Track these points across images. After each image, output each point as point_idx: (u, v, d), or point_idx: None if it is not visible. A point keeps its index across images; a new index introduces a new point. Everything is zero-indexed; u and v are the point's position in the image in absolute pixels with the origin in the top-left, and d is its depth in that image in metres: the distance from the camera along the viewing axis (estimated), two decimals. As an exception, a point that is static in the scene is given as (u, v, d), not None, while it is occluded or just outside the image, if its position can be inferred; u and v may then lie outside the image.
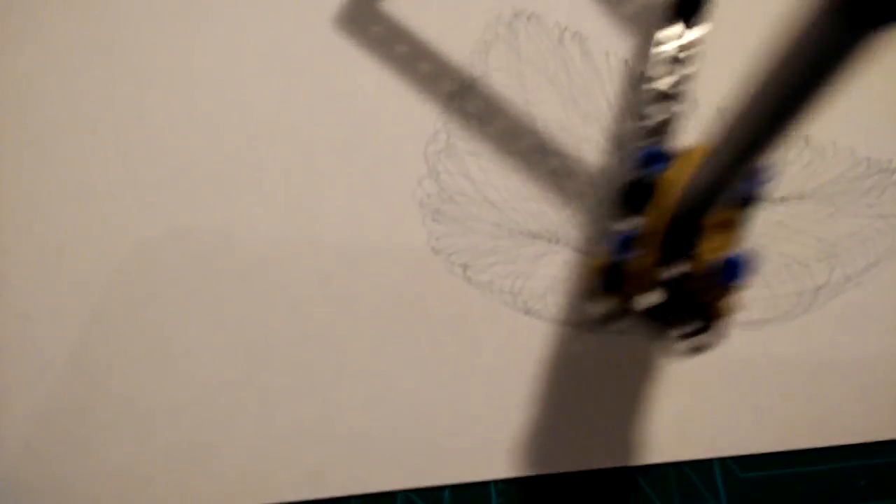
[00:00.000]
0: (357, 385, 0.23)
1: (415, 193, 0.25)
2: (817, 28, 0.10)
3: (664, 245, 0.17)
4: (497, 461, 0.23)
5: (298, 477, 0.23)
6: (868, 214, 0.24)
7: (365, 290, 0.24)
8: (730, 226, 0.17)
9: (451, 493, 0.23)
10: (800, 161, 0.24)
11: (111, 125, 0.26)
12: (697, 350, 0.18)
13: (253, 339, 0.24)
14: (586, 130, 0.25)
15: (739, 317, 0.23)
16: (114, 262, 0.25)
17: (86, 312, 0.24)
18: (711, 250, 0.16)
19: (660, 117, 0.17)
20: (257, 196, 0.25)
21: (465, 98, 0.26)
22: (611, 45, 0.26)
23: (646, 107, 0.17)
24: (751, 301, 0.23)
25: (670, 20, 0.18)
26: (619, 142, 0.25)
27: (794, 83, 0.12)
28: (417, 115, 0.26)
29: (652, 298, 0.18)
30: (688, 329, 0.18)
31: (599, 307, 0.18)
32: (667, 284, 0.17)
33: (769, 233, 0.24)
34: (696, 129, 0.25)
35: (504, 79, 0.26)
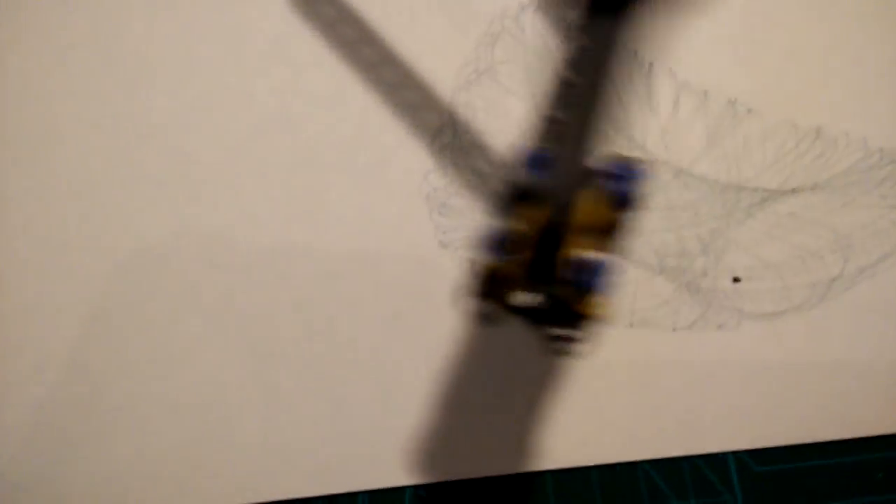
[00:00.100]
0: (362, 382, 0.23)
1: (421, 188, 0.25)
2: (576, 21, 0.10)
3: (536, 250, 0.17)
4: (509, 456, 0.22)
5: (304, 474, 0.22)
6: (881, 205, 0.24)
7: (372, 285, 0.24)
8: (602, 228, 0.17)
9: (460, 487, 0.22)
10: (812, 152, 0.24)
11: (113, 121, 0.26)
12: (565, 353, 0.18)
13: (257, 336, 0.24)
14: (595, 123, 0.25)
15: (753, 309, 0.23)
16: (115, 258, 0.25)
17: (86, 309, 0.24)
18: (576, 250, 0.16)
19: (556, 118, 0.16)
20: (262, 191, 0.25)
21: (470, 93, 0.26)
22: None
23: (548, 105, 0.17)
24: (764, 292, 0.23)
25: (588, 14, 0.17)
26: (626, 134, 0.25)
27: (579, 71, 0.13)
28: (424, 110, 0.26)
29: (526, 299, 0.18)
30: (559, 332, 0.17)
31: (479, 307, 0.18)
32: (535, 287, 0.17)
33: (782, 224, 0.24)
34: (704, 121, 0.25)
35: (510, 72, 0.26)
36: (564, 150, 0.14)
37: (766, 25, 0.26)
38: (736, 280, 0.23)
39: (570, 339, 0.17)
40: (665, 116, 0.25)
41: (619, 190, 0.17)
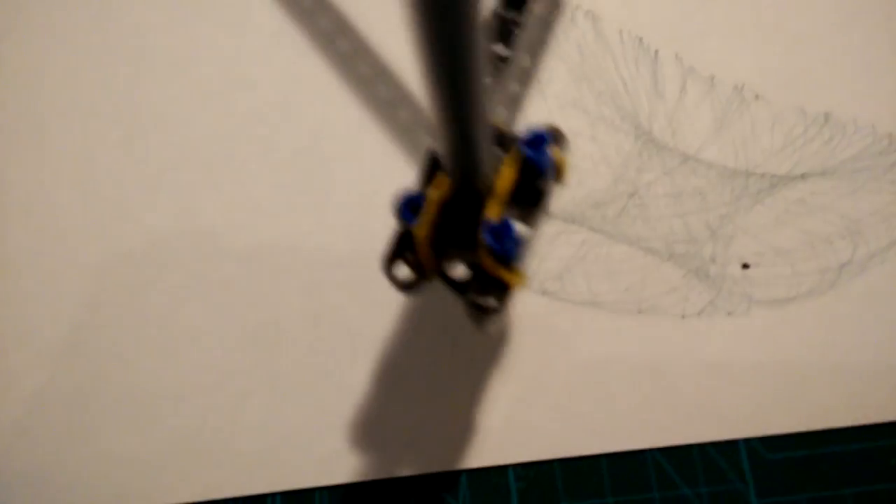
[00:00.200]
0: (368, 371, 0.23)
1: (427, 175, 0.25)
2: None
3: (447, 209, 0.17)
4: (516, 445, 0.22)
5: (310, 464, 0.22)
6: (891, 191, 0.23)
7: (376, 273, 0.24)
8: (521, 195, 0.17)
9: (468, 476, 0.22)
10: (820, 137, 0.24)
11: (113, 109, 0.26)
12: (483, 322, 0.18)
13: (261, 324, 0.24)
14: (600, 109, 0.25)
15: (763, 295, 0.23)
16: (114, 247, 0.24)
17: (87, 296, 0.24)
18: (493, 216, 0.16)
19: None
20: (264, 179, 0.25)
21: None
22: (624, 24, 0.26)
23: None
24: (774, 278, 0.23)
25: None
26: (634, 120, 0.25)
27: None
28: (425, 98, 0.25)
29: (450, 267, 0.18)
30: (478, 300, 0.17)
31: (399, 273, 0.18)
32: (454, 253, 0.18)
33: (791, 209, 0.23)
34: (711, 106, 0.25)
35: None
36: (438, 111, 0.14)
37: (773, 9, 0.25)
38: (745, 266, 0.23)
39: (487, 308, 0.17)
40: (672, 102, 0.25)
41: (536, 157, 0.17)
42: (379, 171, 0.25)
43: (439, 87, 0.13)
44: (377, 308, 0.23)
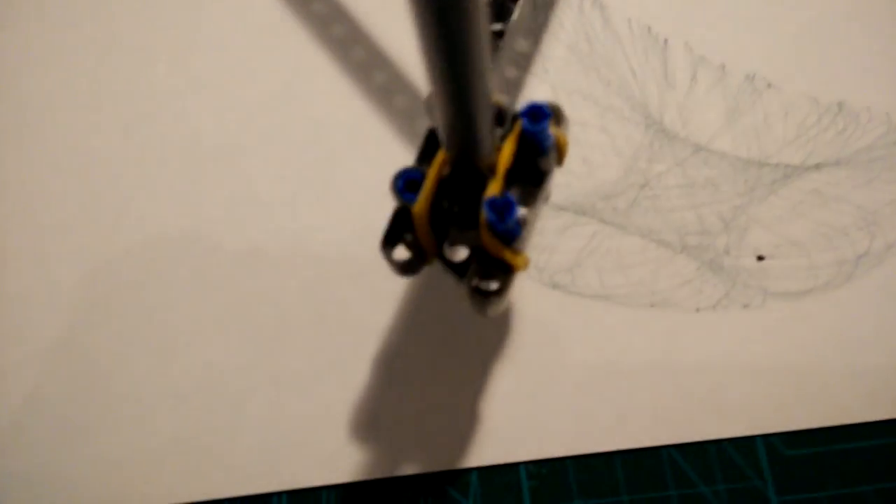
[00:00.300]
0: (373, 367, 0.22)
1: (433, 167, 0.24)
2: None
3: (446, 188, 0.17)
4: (527, 442, 0.21)
5: (316, 462, 0.22)
6: (907, 181, 0.23)
7: (381, 267, 0.23)
8: (521, 172, 0.17)
9: (479, 475, 0.21)
10: (834, 127, 0.24)
11: (115, 101, 0.25)
12: (483, 306, 0.17)
13: (263, 319, 0.23)
14: (610, 99, 0.24)
15: (779, 287, 0.22)
16: (114, 239, 0.24)
17: (85, 292, 0.23)
18: (493, 193, 0.16)
19: None
20: (268, 171, 0.24)
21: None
22: (633, 13, 0.25)
23: None
24: (790, 271, 0.22)
25: None
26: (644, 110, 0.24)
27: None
28: (425, 88, 0.25)
29: (457, 253, 0.18)
30: (478, 283, 0.17)
31: (397, 254, 0.18)
32: (455, 233, 0.17)
33: (806, 200, 0.23)
34: (723, 96, 0.24)
35: (523, 43, 0.25)
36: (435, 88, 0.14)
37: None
38: (760, 258, 0.22)
39: (488, 292, 0.17)
40: (682, 92, 0.24)
41: (536, 131, 0.16)
42: (382, 161, 0.24)
43: (439, 57, 0.12)
44: (382, 302, 0.23)
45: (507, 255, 0.16)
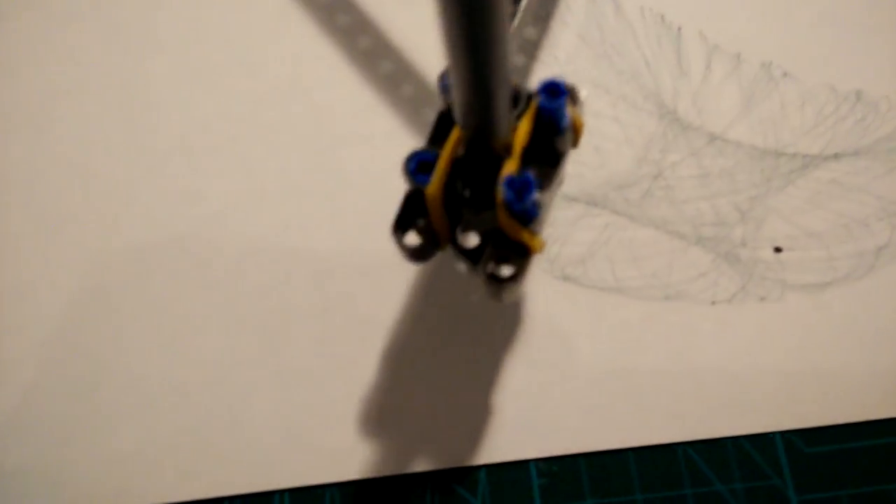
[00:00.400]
0: (380, 361, 0.22)
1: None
2: None
3: (460, 170, 0.16)
4: (538, 439, 0.21)
5: (320, 460, 0.21)
6: (927, 172, 0.22)
7: (387, 259, 0.23)
8: (538, 151, 0.16)
9: (488, 472, 0.21)
10: (852, 116, 0.23)
11: (116, 91, 0.25)
12: (498, 292, 0.17)
13: (268, 313, 0.22)
14: (622, 89, 0.24)
15: (797, 280, 0.22)
16: (117, 231, 0.23)
17: (86, 284, 0.23)
18: (509, 172, 0.16)
19: None
20: (272, 161, 0.24)
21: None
22: (645, 1, 0.25)
23: None
24: (808, 262, 0.22)
25: None
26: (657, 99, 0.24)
27: None
28: (432, 76, 0.24)
29: (469, 239, 0.17)
30: (494, 268, 0.16)
31: (409, 239, 0.17)
32: (469, 215, 0.17)
33: (824, 191, 0.22)
34: (738, 84, 0.24)
35: (535, 31, 0.25)
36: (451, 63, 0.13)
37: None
38: (777, 250, 0.22)
39: (504, 277, 0.16)
40: (697, 81, 0.24)
41: (553, 108, 0.16)
42: (387, 152, 0.24)
43: (461, 30, 0.12)
44: (389, 295, 0.22)
45: (525, 237, 0.16)
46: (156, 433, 0.21)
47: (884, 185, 0.22)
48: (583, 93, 0.17)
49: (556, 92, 0.16)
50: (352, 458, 0.21)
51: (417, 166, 0.16)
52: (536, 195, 0.15)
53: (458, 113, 0.15)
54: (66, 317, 0.23)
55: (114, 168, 0.24)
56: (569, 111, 0.16)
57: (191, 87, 0.25)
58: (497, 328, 0.22)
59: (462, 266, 0.17)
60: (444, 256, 0.18)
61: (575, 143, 0.17)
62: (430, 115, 0.24)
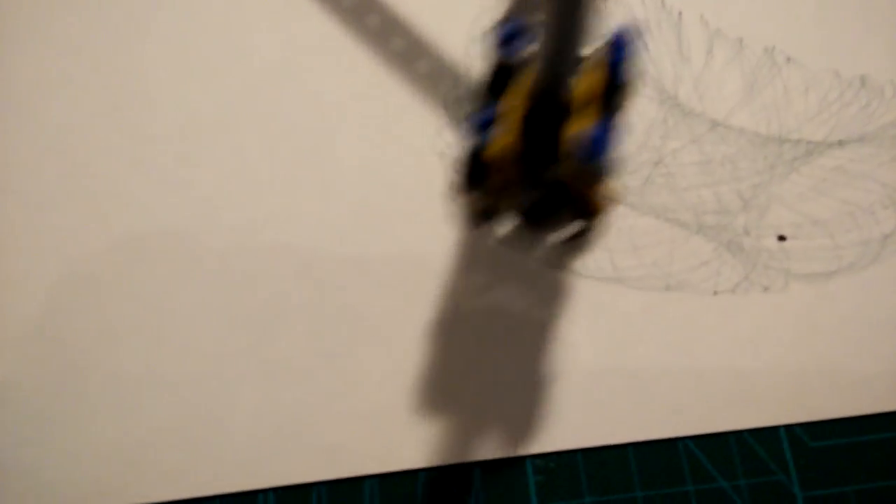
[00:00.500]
0: (374, 354, 0.21)
1: (434, 144, 0.23)
2: None
3: (527, 125, 0.16)
4: (533, 434, 0.20)
5: (310, 457, 0.20)
6: (933, 159, 0.22)
7: (381, 247, 0.22)
8: (601, 103, 0.16)
9: (482, 469, 0.20)
10: (857, 102, 0.22)
11: (106, 80, 0.24)
12: (572, 251, 0.17)
13: (258, 304, 0.21)
14: (621, 73, 0.23)
15: (801, 269, 0.21)
16: (101, 221, 0.22)
17: (67, 276, 0.22)
18: (577, 128, 0.15)
19: None
20: (264, 150, 0.23)
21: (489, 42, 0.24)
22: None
23: None
24: (813, 251, 0.21)
25: None
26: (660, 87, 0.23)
27: None
28: (436, 61, 0.24)
29: (526, 197, 0.17)
30: (563, 229, 0.16)
31: (469, 204, 0.16)
32: (533, 172, 0.16)
33: (829, 178, 0.22)
34: (741, 70, 0.23)
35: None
36: (548, 18, 0.13)
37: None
38: (781, 238, 0.21)
39: (575, 233, 0.16)
40: (698, 66, 0.23)
41: (615, 58, 0.15)
42: (381, 143, 0.23)
43: None
44: (381, 289, 0.21)
45: (596, 192, 0.15)
46: (136, 430, 0.20)
47: (889, 172, 0.22)
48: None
49: (625, 43, 0.15)
50: (340, 456, 0.20)
51: (479, 125, 0.15)
52: (609, 147, 0.15)
53: (541, 63, 0.14)
54: (46, 308, 0.22)
55: (101, 156, 0.23)
56: (632, 53, 0.16)
57: (181, 75, 0.24)
58: (491, 320, 0.21)
59: (520, 229, 0.16)
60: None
61: (629, 99, 0.17)
62: (419, 114, 0.23)
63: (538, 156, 0.16)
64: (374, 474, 0.20)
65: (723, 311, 0.21)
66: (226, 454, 0.20)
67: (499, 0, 0.23)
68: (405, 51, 0.24)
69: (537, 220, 0.16)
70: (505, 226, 0.17)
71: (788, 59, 0.23)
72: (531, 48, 0.15)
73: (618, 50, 0.15)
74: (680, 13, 0.24)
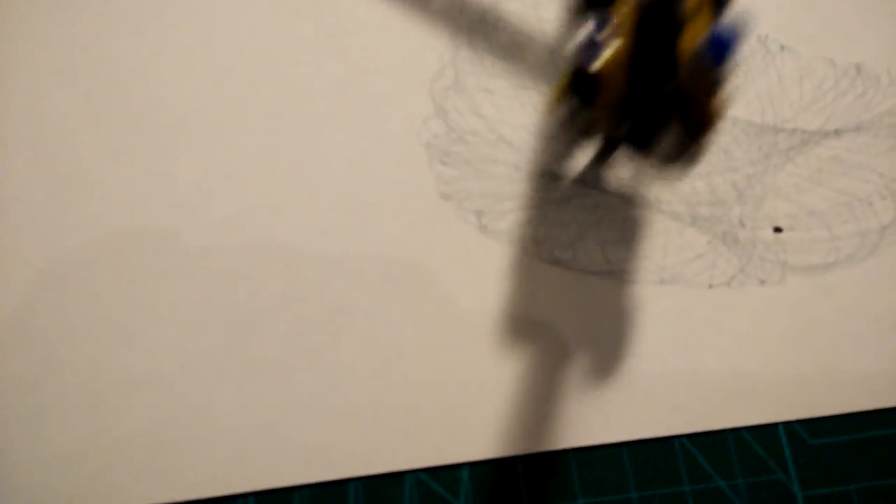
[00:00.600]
0: (358, 352, 0.20)
1: (420, 134, 0.22)
2: None
3: (639, 36, 0.15)
4: (523, 434, 0.19)
5: (290, 459, 0.19)
6: (931, 149, 0.21)
7: (366, 241, 0.21)
8: (711, 5, 0.16)
9: (471, 470, 0.19)
10: (853, 90, 0.22)
11: (78, 66, 0.23)
12: (686, 163, 0.16)
13: (235, 299, 0.21)
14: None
15: (798, 261, 0.20)
16: (71, 217, 0.21)
17: (34, 271, 0.21)
18: (693, 34, 0.15)
19: None
20: (242, 141, 0.22)
21: (475, 30, 0.23)
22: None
23: None
24: (810, 243, 0.20)
25: None
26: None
27: None
28: (421, 49, 0.23)
29: (634, 113, 0.16)
30: (673, 143, 0.16)
31: (575, 122, 0.16)
32: (647, 84, 0.16)
33: (825, 168, 0.21)
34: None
35: (520, 10, 0.23)
36: None
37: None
38: (777, 230, 0.21)
39: (687, 150, 0.15)
40: (690, 54, 0.22)
41: None
42: (369, 132, 0.22)
43: None
44: (362, 283, 0.21)
45: (714, 99, 0.15)
46: (109, 431, 0.20)
47: (887, 162, 0.21)
48: None
49: None
50: (323, 458, 0.19)
51: (588, 42, 0.15)
52: (735, 46, 0.15)
53: None
54: (11, 306, 0.21)
55: (70, 149, 0.22)
56: None
57: (157, 64, 0.23)
58: (477, 315, 0.20)
59: (622, 151, 0.16)
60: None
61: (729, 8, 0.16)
62: (415, 93, 0.22)
63: (652, 67, 0.15)
64: (359, 476, 0.19)
65: (718, 304, 0.20)
66: (202, 456, 0.19)
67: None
68: (391, 23, 0.23)
69: (644, 138, 0.16)
70: (596, 149, 0.16)
71: (782, 48, 0.22)
72: None
73: None
74: (671, 1, 0.23)
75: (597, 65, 0.15)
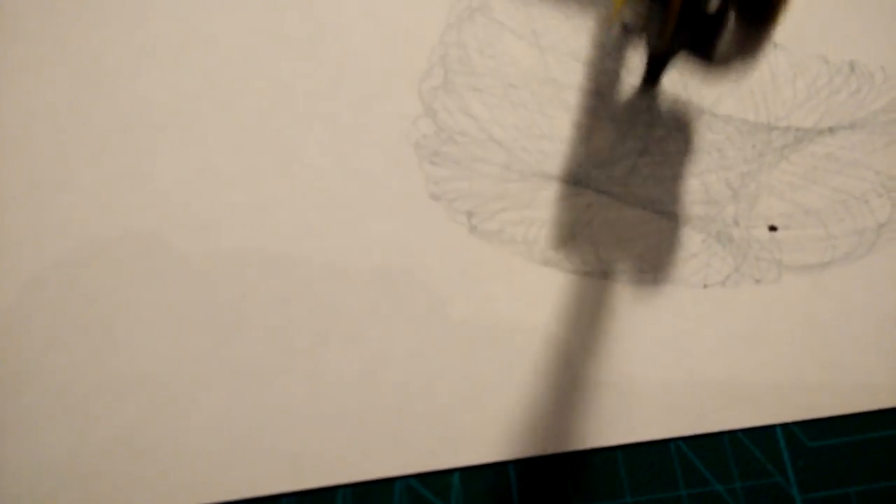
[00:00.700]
0: (345, 355, 0.20)
1: (409, 134, 0.22)
2: None
3: None
4: (515, 438, 0.19)
5: (276, 466, 0.19)
6: (926, 146, 0.21)
7: (353, 242, 0.21)
8: None
9: (461, 476, 0.19)
10: (847, 88, 0.22)
11: (57, 69, 0.23)
12: (750, 58, 0.16)
13: (220, 302, 0.20)
14: (604, 62, 0.22)
15: (794, 260, 0.20)
16: (53, 218, 0.21)
17: (21, 276, 0.20)
18: None
19: None
20: (229, 142, 0.22)
21: (462, 31, 0.23)
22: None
23: None
24: (805, 242, 0.20)
25: None
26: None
27: None
28: (410, 49, 0.23)
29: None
30: (733, 41, 0.16)
31: (634, 32, 0.16)
32: None
33: (820, 166, 0.21)
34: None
35: (507, 8, 0.23)
36: None
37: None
38: (772, 228, 0.20)
39: (751, 41, 0.15)
40: (682, 52, 0.22)
41: None
42: (359, 132, 0.22)
43: None
44: (350, 284, 0.20)
45: None
46: (90, 439, 0.19)
47: (882, 160, 0.21)
48: None
49: None
50: (310, 465, 0.19)
51: None
52: None
53: None
54: (-7, 312, 0.20)
55: (53, 149, 0.22)
56: None
57: (137, 62, 0.23)
58: (468, 318, 0.20)
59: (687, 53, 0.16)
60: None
61: None
62: (404, 93, 0.22)
63: None
64: (348, 483, 0.19)
65: (713, 304, 0.20)
66: (185, 464, 0.19)
67: None
68: (380, 23, 0.23)
69: (705, 40, 0.16)
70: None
71: (775, 45, 0.22)
72: None
73: None
74: (663, 0, 0.23)
75: None
